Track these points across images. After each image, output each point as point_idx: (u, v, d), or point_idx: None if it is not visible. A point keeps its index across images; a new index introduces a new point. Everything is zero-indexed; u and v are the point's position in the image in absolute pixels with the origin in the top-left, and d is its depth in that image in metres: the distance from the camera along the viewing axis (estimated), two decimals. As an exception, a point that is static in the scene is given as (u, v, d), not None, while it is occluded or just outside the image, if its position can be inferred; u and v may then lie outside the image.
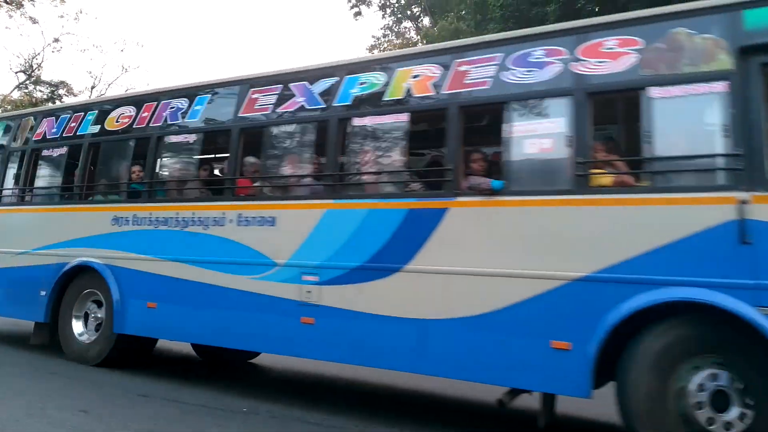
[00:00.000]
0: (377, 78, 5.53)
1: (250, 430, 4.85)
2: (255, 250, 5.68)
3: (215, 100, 6.49)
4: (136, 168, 7.02)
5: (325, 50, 59.04)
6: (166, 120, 6.71)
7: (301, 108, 5.81)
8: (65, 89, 28.09)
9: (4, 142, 8.30)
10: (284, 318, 5.41)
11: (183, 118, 6.59)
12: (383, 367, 5.15)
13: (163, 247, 6.28)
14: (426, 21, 29.71)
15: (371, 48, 30.76)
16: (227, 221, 5.91)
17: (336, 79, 5.70)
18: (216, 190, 6.53)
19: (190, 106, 6.58)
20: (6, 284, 7.57)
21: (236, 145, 6.11)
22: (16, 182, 8.06)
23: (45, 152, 7.82)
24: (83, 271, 6.96)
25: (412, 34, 30.70)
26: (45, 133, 7.86)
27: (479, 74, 5.02)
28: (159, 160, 6.75)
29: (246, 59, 58.21)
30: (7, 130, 8.36)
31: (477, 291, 4.68)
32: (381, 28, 32.58)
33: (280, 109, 5.94)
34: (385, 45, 30.09)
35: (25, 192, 7.96)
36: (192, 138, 6.48)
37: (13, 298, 7.50)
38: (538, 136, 4.66)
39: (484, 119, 5.87)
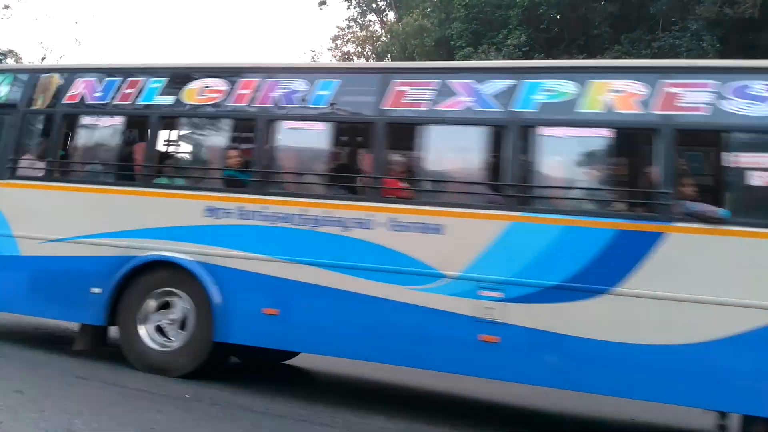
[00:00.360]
0: (565, 86, 5.25)
1: (192, 417, 4.78)
2: (415, 258, 5.22)
3: (346, 87, 5.83)
4: (233, 152, 6.11)
5: (287, 39, 58.41)
6: (278, 102, 5.90)
7: (469, 109, 5.38)
8: (14, 58, 27.01)
9: (15, 101, 6.73)
10: (455, 334, 5.07)
11: (303, 102, 5.85)
12: (585, 390, 5.00)
13: (284, 247, 5.54)
14: (391, 15, 29.73)
15: (335, 38, 30.60)
16: (376, 224, 5.33)
17: (512, 82, 5.35)
18: (354, 188, 5.84)
19: (310, 89, 5.83)
20: (34, 277, 6.31)
21: (381, 141, 5.54)
22: (40, 153, 6.68)
23: (85, 120, 6.51)
24: (154, 267, 5.95)
25: (377, 27, 30.69)
26: (83, 96, 6.50)
27: (694, 99, 4.98)
28: (270, 146, 5.89)
29: (204, 43, 57.05)
30: (15, 85, 6.79)
31: (698, 318, 4.70)
32: (345, 20, 32.42)
33: (439, 107, 5.45)
34: (349, 36, 29.97)
35: (63, 166, 6.64)
36: (319, 127, 5.79)
37: (45, 294, 6.25)
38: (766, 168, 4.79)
39: (696, 144, 5.86)
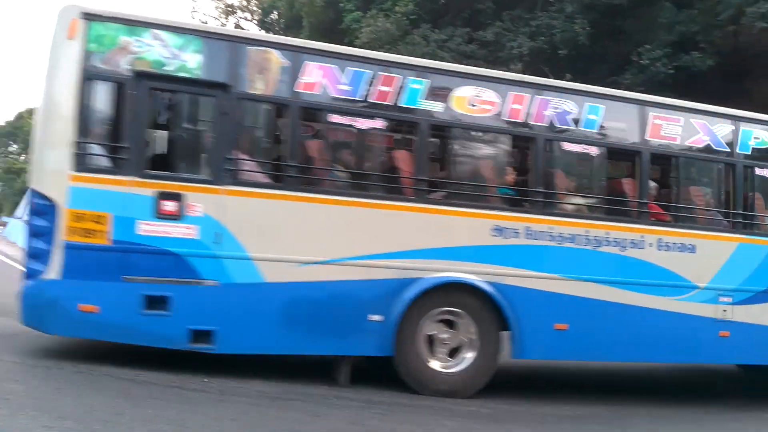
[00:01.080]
0: None
1: (53, 386, 4.53)
2: (676, 273, 6.03)
3: (612, 114, 6.09)
4: (510, 169, 6.04)
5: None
6: (553, 121, 5.90)
7: (708, 147, 6.36)
8: None
9: (222, 79, 5.19)
10: (703, 333, 6.09)
11: (576, 124, 5.96)
12: None
13: (568, 266, 5.74)
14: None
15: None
16: (646, 244, 5.95)
17: (732, 128, 6.40)
18: (626, 212, 6.19)
19: (581, 112, 5.96)
20: (290, 307, 5.24)
21: (646, 169, 6.12)
22: (268, 153, 5.54)
23: (332, 117, 5.56)
24: (436, 289, 5.49)
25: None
26: (325, 86, 5.42)
27: None
28: (547, 166, 5.96)
29: None
30: (211, 55, 5.19)
31: None
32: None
33: (687, 142, 6.32)
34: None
35: (311, 173, 5.53)
36: (594, 151, 6.01)
37: (307, 326, 5.28)
38: None
39: None
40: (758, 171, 6.44)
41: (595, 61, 20.25)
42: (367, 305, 5.29)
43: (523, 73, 19.25)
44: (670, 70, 17.28)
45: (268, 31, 44.59)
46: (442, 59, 20.44)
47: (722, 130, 6.39)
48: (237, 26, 45.03)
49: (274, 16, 42.36)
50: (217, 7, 30.27)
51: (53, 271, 4.65)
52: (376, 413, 4.87)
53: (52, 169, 4.77)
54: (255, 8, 44.42)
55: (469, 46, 21.05)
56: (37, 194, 4.73)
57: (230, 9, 44.45)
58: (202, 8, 32.89)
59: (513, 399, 5.75)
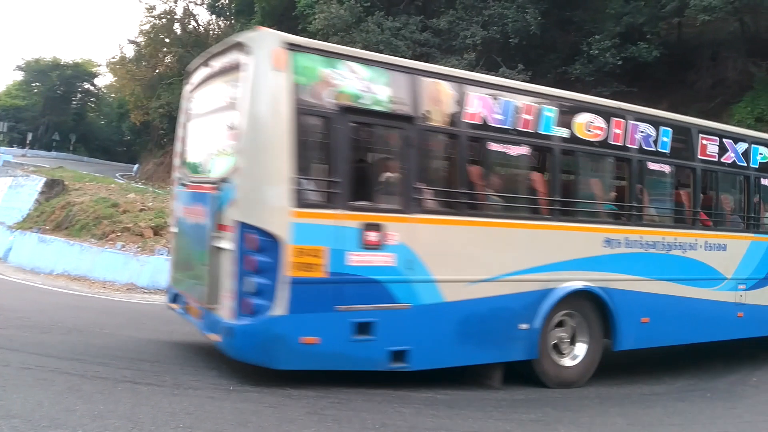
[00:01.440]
0: None
1: None
2: (714, 268, 7.28)
3: (673, 136, 7.03)
4: (612, 187, 7.03)
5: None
6: (641, 144, 6.77)
7: (733, 162, 7.66)
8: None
9: (405, 111, 5.40)
10: (728, 315, 7.43)
11: (656, 146, 6.89)
12: None
13: (650, 268, 6.71)
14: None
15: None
16: (698, 246, 7.15)
17: (747, 146, 7.79)
18: (687, 219, 7.45)
19: (657, 135, 6.89)
20: (462, 322, 5.62)
21: (699, 183, 7.34)
22: (442, 181, 5.92)
23: (492, 145, 5.92)
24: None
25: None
26: (485, 117, 5.82)
27: None
28: (637, 183, 6.79)
29: None
30: (394, 87, 5.36)
31: None
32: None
33: (723, 159, 7.53)
34: None
35: (477, 198, 5.90)
36: (667, 169, 7.07)
37: (474, 338, 5.70)
38: None
39: None
40: (764, 181, 8.02)
41: (546, 51, 20.60)
42: (518, 316, 5.87)
43: (477, 62, 19.48)
44: (618, 61, 17.74)
45: (218, 16, 43.83)
46: (397, 47, 20.46)
47: (741, 148, 7.74)
48: (186, 10, 44.10)
49: (225, 1, 41.52)
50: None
51: (280, 307, 4.73)
52: (334, 402, 4.88)
53: (273, 205, 4.78)
54: (203, -8, 43.42)
55: (423, 35, 21.09)
56: (257, 230, 4.71)
57: (175, -7, 43.30)
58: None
59: (468, 386, 5.85)
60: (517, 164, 6.29)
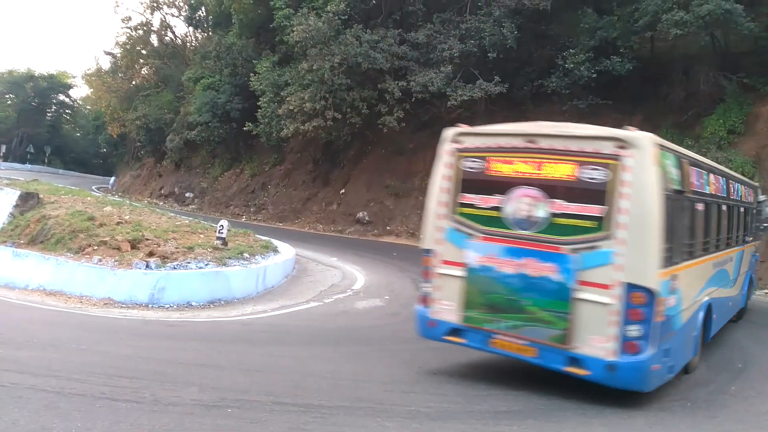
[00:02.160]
0: None
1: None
2: (731, 272, 9.29)
3: (733, 186, 9.42)
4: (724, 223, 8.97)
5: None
6: (732, 195, 9.39)
7: (741, 198, 10.03)
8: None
9: (678, 186, 6.71)
10: (730, 305, 9.45)
11: (737, 195, 9.76)
12: None
13: (721, 279, 8.57)
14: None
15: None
16: (733, 259, 9.51)
17: (748, 188, 10.59)
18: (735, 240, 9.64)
19: (736, 188, 9.68)
20: (687, 334, 7.18)
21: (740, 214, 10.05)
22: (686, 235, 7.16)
23: (697, 205, 7.54)
24: None
25: None
26: (697, 184, 7.51)
27: None
28: (729, 220, 9.05)
29: None
30: (675, 168, 6.66)
31: None
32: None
33: (740, 197, 10.03)
34: None
35: (706, 245, 7.94)
36: (741, 209, 10.11)
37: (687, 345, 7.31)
38: None
39: None
40: (741, 209, 10.11)
41: (522, 65, 20.85)
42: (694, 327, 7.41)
43: (454, 75, 19.64)
44: (592, 74, 18.02)
45: (196, 28, 43.69)
46: (375, 59, 20.57)
47: (744, 190, 10.36)
48: (163, 22, 43.91)
49: (203, 13, 41.42)
50: (141, 3, 29.22)
51: (652, 346, 5.78)
52: (316, 417, 4.85)
53: (654, 269, 5.80)
54: (182, 3, 43.29)
55: (401, 48, 21.23)
56: (642, 288, 5.73)
57: (155, 4, 43.17)
58: (126, 3, 31.71)
59: (452, 398, 5.84)
60: (711, 216, 8.12)
